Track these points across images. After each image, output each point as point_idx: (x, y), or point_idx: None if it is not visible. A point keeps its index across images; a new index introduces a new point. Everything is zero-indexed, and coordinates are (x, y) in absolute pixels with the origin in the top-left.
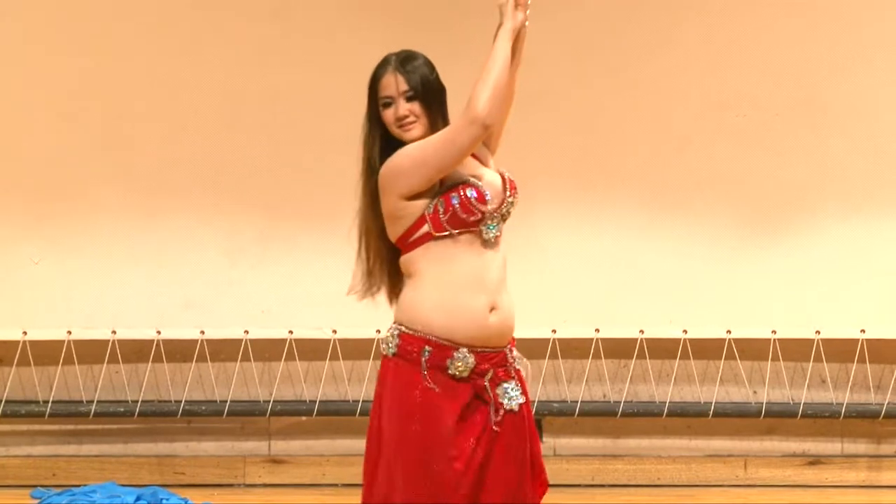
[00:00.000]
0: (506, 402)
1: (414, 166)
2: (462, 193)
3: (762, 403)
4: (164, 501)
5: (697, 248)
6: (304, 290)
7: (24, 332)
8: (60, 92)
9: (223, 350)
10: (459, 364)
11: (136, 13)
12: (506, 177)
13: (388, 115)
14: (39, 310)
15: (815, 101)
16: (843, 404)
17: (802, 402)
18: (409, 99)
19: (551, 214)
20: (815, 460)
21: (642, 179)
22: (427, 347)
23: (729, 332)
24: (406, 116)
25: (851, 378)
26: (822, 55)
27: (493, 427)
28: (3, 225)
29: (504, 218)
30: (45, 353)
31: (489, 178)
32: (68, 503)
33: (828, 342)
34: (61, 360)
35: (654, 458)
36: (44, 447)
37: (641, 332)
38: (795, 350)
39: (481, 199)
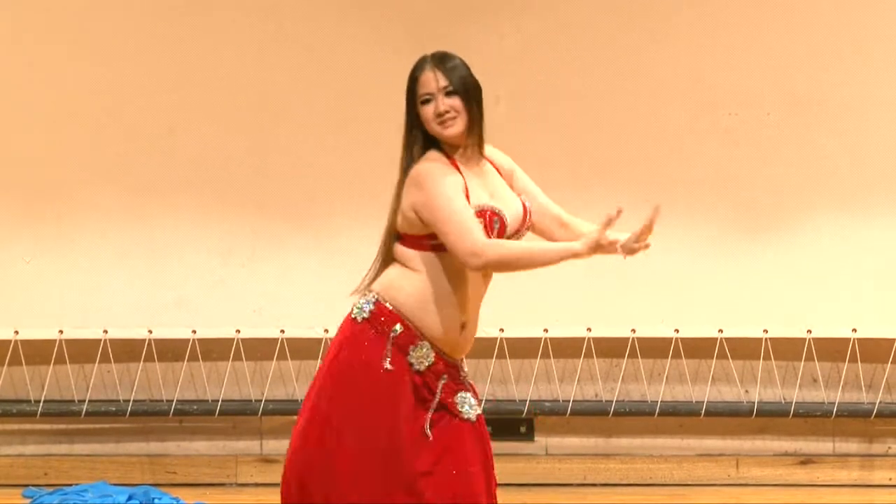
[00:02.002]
0: (465, 410)
1: (425, 209)
2: (487, 219)
3: (754, 403)
4: (155, 501)
5: (689, 248)
6: (295, 290)
7: (16, 332)
8: (51, 92)
9: (215, 349)
10: (421, 354)
11: (127, 15)
12: (526, 207)
13: (428, 111)
14: (31, 309)
15: (806, 100)
16: (834, 403)
17: (794, 401)
18: (448, 94)
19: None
20: (806, 459)
21: (634, 179)
22: (398, 326)
23: (721, 331)
24: (447, 112)
25: (843, 377)
26: (814, 53)
27: (427, 432)
28: None
29: None
30: (37, 352)
31: (513, 208)
32: (60, 502)
33: (819, 341)
34: (53, 360)
35: (646, 458)
36: (35, 446)
37: (633, 331)
38: (787, 349)
39: (502, 230)
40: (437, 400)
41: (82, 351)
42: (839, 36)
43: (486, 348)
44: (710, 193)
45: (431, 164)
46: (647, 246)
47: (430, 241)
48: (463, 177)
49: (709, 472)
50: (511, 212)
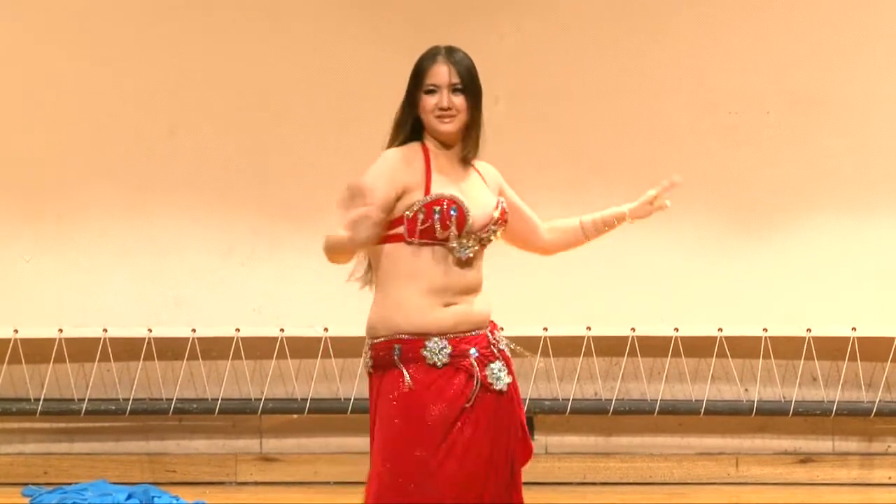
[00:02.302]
0: (494, 382)
1: None
2: (444, 207)
3: (753, 401)
4: (155, 499)
5: (689, 247)
6: (295, 289)
7: (16, 330)
8: (51, 92)
9: (214, 348)
10: (435, 350)
11: (127, 15)
12: (501, 206)
13: (430, 102)
14: (31, 308)
15: (806, 99)
16: (834, 402)
17: (794, 399)
18: (454, 91)
19: (544, 213)
20: (806, 458)
21: (634, 178)
22: (397, 346)
23: (720, 330)
24: (449, 108)
25: (843, 376)
26: (814, 53)
27: (466, 404)
28: None
29: (483, 242)
30: (37, 351)
31: (481, 204)
32: (59, 501)
33: (819, 340)
34: (52, 358)
35: (646, 456)
36: (35, 445)
37: (633, 329)
38: (787, 348)
39: (461, 218)
40: (477, 377)
41: (82, 350)
42: (840, 35)
43: None
44: (710, 193)
45: (389, 153)
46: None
47: (394, 227)
48: (428, 164)
49: (708, 470)
50: (477, 206)
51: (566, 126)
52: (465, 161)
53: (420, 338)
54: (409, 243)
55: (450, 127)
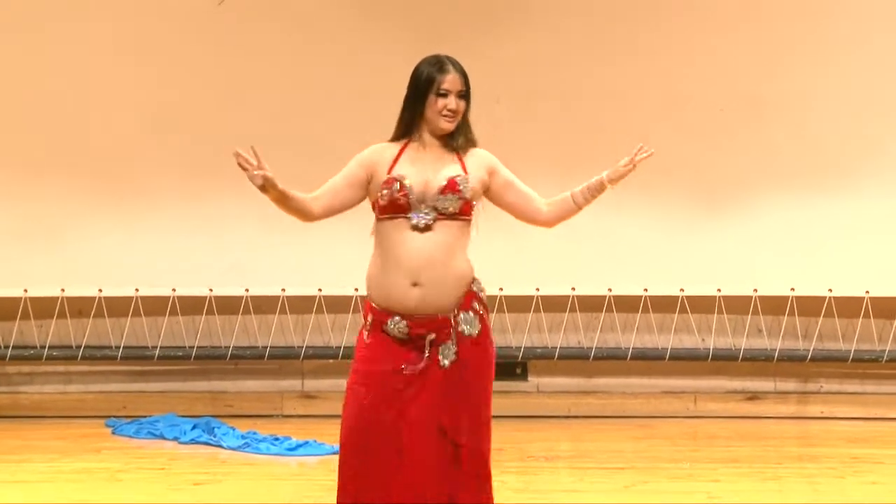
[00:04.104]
0: (441, 360)
1: None
2: (391, 186)
3: (709, 349)
4: (215, 429)
5: (657, 221)
6: (330, 255)
7: (100, 290)
8: (137, 98)
9: (264, 304)
10: (394, 328)
11: (184, 37)
12: (453, 180)
13: (440, 103)
14: (112, 271)
15: (753, 98)
16: (776, 350)
17: (742, 347)
18: (460, 97)
19: (538, 192)
20: (752, 396)
21: (612, 162)
22: (370, 315)
23: (682, 290)
24: (455, 111)
25: (783, 328)
26: (759, 59)
27: (404, 369)
28: (83, 202)
29: (439, 210)
30: (117, 307)
31: (426, 176)
32: (136, 431)
33: (764, 298)
34: (130, 313)
35: (620, 394)
36: (116, 385)
37: (609, 290)
38: (737, 305)
39: (402, 190)
40: (426, 354)
41: (155, 306)
42: (780, 44)
43: (488, 304)
44: (673, 177)
45: (372, 146)
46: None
47: (374, 208)
48: (399, 155)
49: (672, 406)
50: (420, 181)
51: (556, 120)
52: (453, 149)
53: (386, 314)
54: (380, 220)
55: (452, 125)
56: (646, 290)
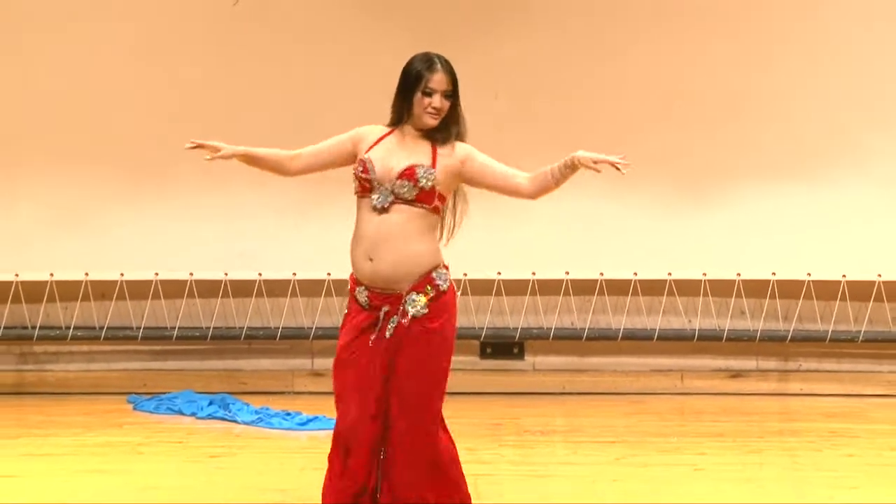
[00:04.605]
0: (388, 329)
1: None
2: (358, 165)
3: (695, 330)
4: (230, 405)
5: (646, 209)
6: (338, 241)
7: (122, 274)
8: (152, 92)
9: (276, 288)
10: (359, 296)
11: (201, 28)
12: (411, 167)
13: (425, 101)
14: (134, 256)
15: (735, 94)
16: (758, 330)
17: (726, 328)
18: (445, 96)
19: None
20: (736, 374)
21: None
22: (349, 283)
23: (670, 274)
24: (439, 109)
25: (765, 310)
26: (744, 59)
27: (370, 342)
28: (106, 192)
29: (397, 195)
30: (138, 290)
31: (391, 163)
32: (156, 407)
33: (746, 282)
34: (150, 296)
35: (612, 372)
36: (137, 363)
37: (601, 274)
38: (721, 288)
39: (365, 171)
40: (378, 325)
41: (173, 289)
42: (761, 45)
43: (486, 287)
44: (663, 167)
45: (367, 126)
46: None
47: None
48: (381, 139)
49: (660, 383)
50: (382, 166)
51: (550, 116)
52: (432, 141)
53: (355, 283)
54: (356, 197)
55: (435, 122)
56: (635, 274)
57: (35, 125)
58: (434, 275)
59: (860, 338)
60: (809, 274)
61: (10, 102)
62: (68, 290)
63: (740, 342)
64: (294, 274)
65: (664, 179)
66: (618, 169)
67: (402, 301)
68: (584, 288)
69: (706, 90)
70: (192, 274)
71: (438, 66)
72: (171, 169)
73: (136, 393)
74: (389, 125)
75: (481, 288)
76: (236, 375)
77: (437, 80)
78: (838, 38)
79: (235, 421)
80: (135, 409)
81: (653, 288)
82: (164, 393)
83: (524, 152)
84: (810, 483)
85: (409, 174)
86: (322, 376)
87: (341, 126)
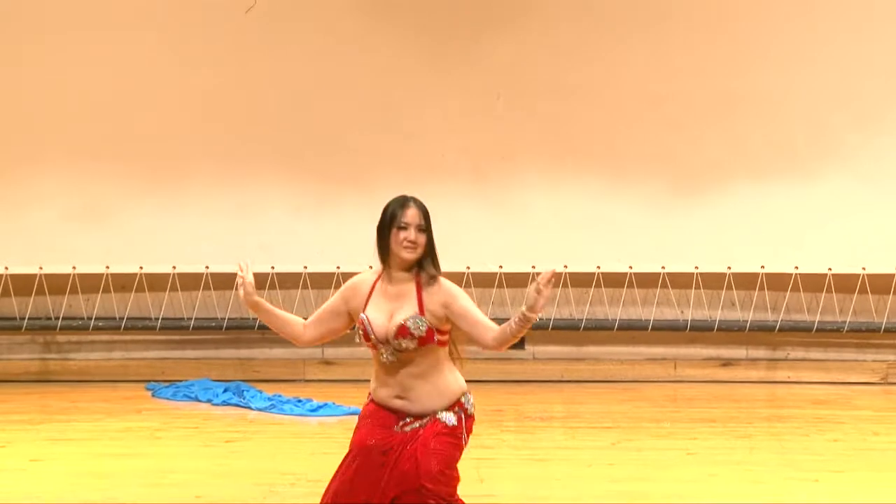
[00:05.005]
0: (408, 427)
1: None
2: (360, 328)
3: (688, 320)
4: (244, 392)
5: (641, 206)
6: (346, 236)
7: (141, 267)
8: (172, 94)
9: (288, 280)
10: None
11: (217, 33)
12: (404, 325)
13: (401, 235)
14: (153, 250)
15: (727, 95)
16: (747, 321)
17: (717, 319)
18: (419, 230)
19: (533, 181)
20: (726, 362)
21: (601, 155)
22: (369, 396)
23: (663, 267)
24: (414, 241)
25: (754, 302)
26: (733, 62)
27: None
28: (126, 188)
29: (399, 350)
30: (156, 282)
31: (386, 322)
32: (173, 394)
33: (736, 275)
34: (168, 288)
35: (608, 361)
36: (155, 352)
37: (598, 267)
38: (713, 280)
39: (365, 334)
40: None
41: (190, 281)
42: (752, 49)
43: (488, 280)
44: (656, 165)
45: (352, 280)
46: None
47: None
48: (371, 291)
49: (654, 371)
50: (380, 324)
51: (549, 116)
52: (422, 282)
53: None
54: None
55: (412, 255)
56: (631, 267)
57: (59, 126)
58: (463, 399)
59: (845, 328)
60: (797, 267)
61: (36, 104)
62: (90, 283)
63: (731, 332)
64: (305, 267)
65: (657, 177)
66: (548, 280)
67: (433, 417)
68: (581, 281)
69: (698, 93)
70: (207, 267)
71: (410, 203)
72: (188, 168)
73: (154, 380)
74: (381, 268)
75: (484, 280)
76: (250, 364)
77: (411, 214)
78: (823, 43)
79: (249, 407)
80: (153, 395)
81: (647, 281)
82: (182, 381)
83: (524, 150)
84: (797, 466)
85: (402, 333)
86: (332, 365)
87: (346, 124)
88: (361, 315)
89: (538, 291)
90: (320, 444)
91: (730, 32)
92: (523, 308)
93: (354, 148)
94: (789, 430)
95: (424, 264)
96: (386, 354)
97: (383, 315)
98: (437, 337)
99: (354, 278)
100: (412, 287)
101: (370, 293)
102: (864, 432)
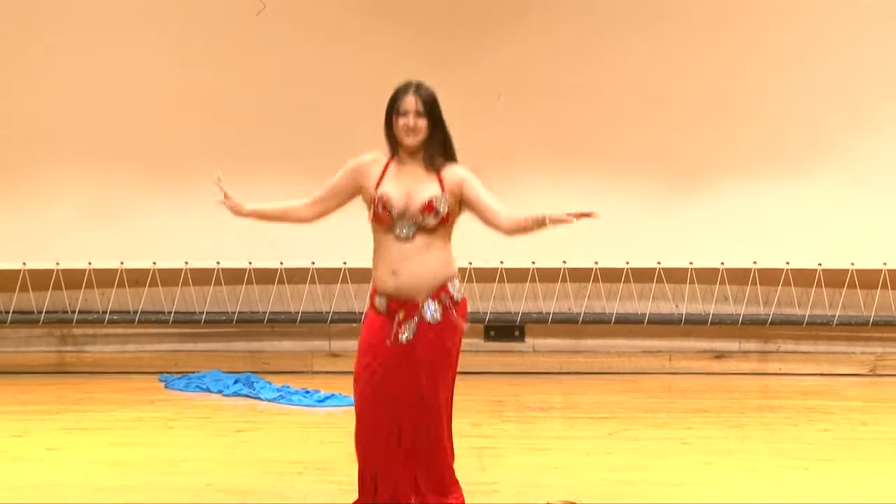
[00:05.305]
0: (403, 334)
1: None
2: (377, 204)
3: (682, 314)
4: (254, 383)
5: (637, 203)
6: (353, 233)
7: (154, 263)
8: (183, 94)
9: (296, 275)
10: (378, 304)
11: (226, 35)
12: (429, 200)
13: (400, 121)
14: (165, 246)
15: (722, 96)
16: (740, 315)
17: (711, 313)
18: (418, 115)
19: (534, 178)
20: (719, 355)
21: (599, 154)
22: (370, 293)
23: (659, 263)
24: (413, 128)
25: (746, 296)
26: (727, 63)
27: (387, 343)
28: (140, 186)
29: (419, 225)
30: (169, 277)
31: (407, 197)
32: (185, 385)
33: (729, 270)
34: (180, 282)
35: (605, 353)
36: (168, 345)
37: (596, 263)
38: (706, 276)
39: (385, 209)
40: (394, 327)
41: (202, 276)
42: (746, 51)
43: (489, 275)
44: (652, 164)
45: (361, 156)
46: (570, 220)
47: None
48: (384, 172)
49: (650, 363)
50: (401, 199)
51: (549, 115)
52: (430, 164)
53: (375, 293)
54: (376, 224)
55: (412, 141)
56: (627, 263)
57: (75, 128)
58: (449, 285)
59: (835, 321)
60: (788, 263)
61: (50, 106)
62: (105, 278)
63: (724, 326)
64: (313, 263)
65: (654, 176)
66: (587, 216)
67: (419, 307)
68: (579, 276)
69: (693, 93)
70: (218, 262)
71: (410, 89)
72: (199, 167)
73: (167, 372)
74: (390, 154)
75: (485, 276)
76: (259, 356)
77: (408, 101)
78: (815, 45)
79: (259, 398)
80: (166, 387)
81: (643, 276)
82: (193, 372)
83: (524, 149)
84: (788, 455)
85: (429, 208)
86: (339, 357)
87: (350, 123)
88: (376, 192)
89: (567, 219)
90: (327, 434)
91: (726, 34)
92: (547, 215)
93: (359, 147)
94: (780, 420)
95: (432, 150)
96: (404, 231)
97: (401, 192)
98: (451, 218)
99: (360, 157)
100: (429, 170)
101: (383, 173)
102: (853, 422)
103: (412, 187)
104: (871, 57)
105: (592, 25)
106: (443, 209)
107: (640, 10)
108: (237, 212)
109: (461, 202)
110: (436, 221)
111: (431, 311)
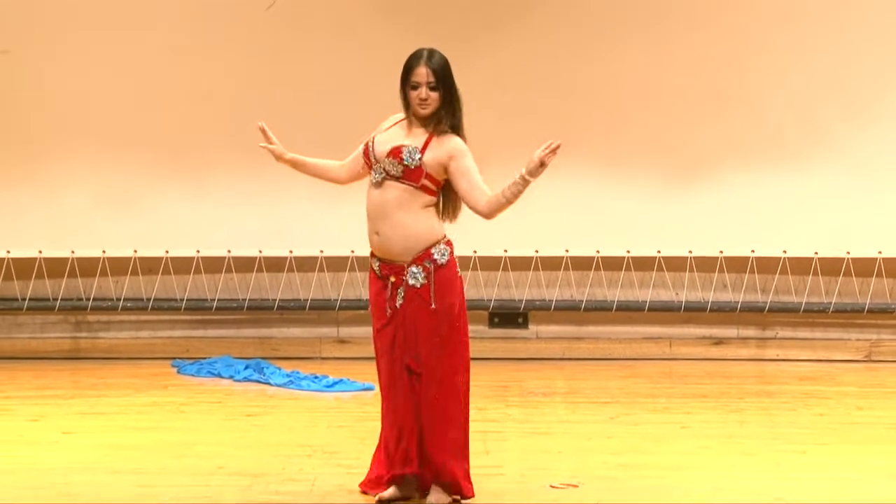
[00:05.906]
0: (397, 299)
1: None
2: (365, 144)
3: (682, 301)
4: (264, 369)
5: (638, 193)
6: (361, 221)
7: (167, 251)
8: (196, 86)
9: (306, 263)
10: (374, 265)
11: (240, 28)
12: (398, 147)
13: (412, 93)
14: (178, 235)
15: (719, 89)
16: (738, 302)
17: (710, 300)
18: (431, 88)
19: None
20: (718, 341)
21: (600, 145)
22: (370, 253)
23: (659, 251)
24: (425, 99)
25: (745, 283)
26: (726, 57)
27: (388, 309)
28: (153, 175)
29: (388, 172)
30: (181, 265)
31: (387, 145)
32: (197, 370)
33: (728, 258)
34: (192, 270)
35: (607, 340)
36: (181, 331)
37: (598, 251)
38: (706, 264)
39: (366, 151)
40: (388, 292)
41: (213, 264)
42: (744, 45)
43: (494, 263)
44: (652, 156)
45: (391, 118)
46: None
47: None
48: (393, 126)
49: (650, 350)
50: (379, 146)
51: (552, 108)
52: (436, 131)
53: (371, 254)
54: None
55: (425, 112)
56: (628, 251)
57: (90, 118)
58: (433, 250)
59: (831, 309)
60: (785, 251)
61: (66, 96)
62: (118, 266)
63: (722, 313)
64: (321, 251)
65: (654, 166)
66: (553, 150)
67: (404, 272)
68: (582, 264)
69: (692, 86)
70: (229, 251)
71: (422, 60)
72: (211, 157)
73: (179, 358)
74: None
75: (489, 264)
76: (269, 342)
77: (419, 73)
78: (812, 39)
79: (269, 383)
80: (178, 372)
81: (644, 264)
82: (205, 358)
83: (526, 142)
84: (786, 439)
85: (395, 153)
86: (346, 343)
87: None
88: (370, 139)
89: (541, 161)
90: (335, 418)
91: (723, 30)
92: (523, 170)
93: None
94: (778, 405)
95: (441, 117)
96: (374, 175)
97: (387, 140)
98: (423, 181)
99: (390, 119)
100: (425, 131)
101: (390, 126)
102: (849, 407)
103: (400, 139)
104: (868, 49)
105: (593, 23)
106: (410, 161)
107: (640, 9)
108: (278, 156)
109: (448, 176)
110: (399, 170)
111: (413, 275)
